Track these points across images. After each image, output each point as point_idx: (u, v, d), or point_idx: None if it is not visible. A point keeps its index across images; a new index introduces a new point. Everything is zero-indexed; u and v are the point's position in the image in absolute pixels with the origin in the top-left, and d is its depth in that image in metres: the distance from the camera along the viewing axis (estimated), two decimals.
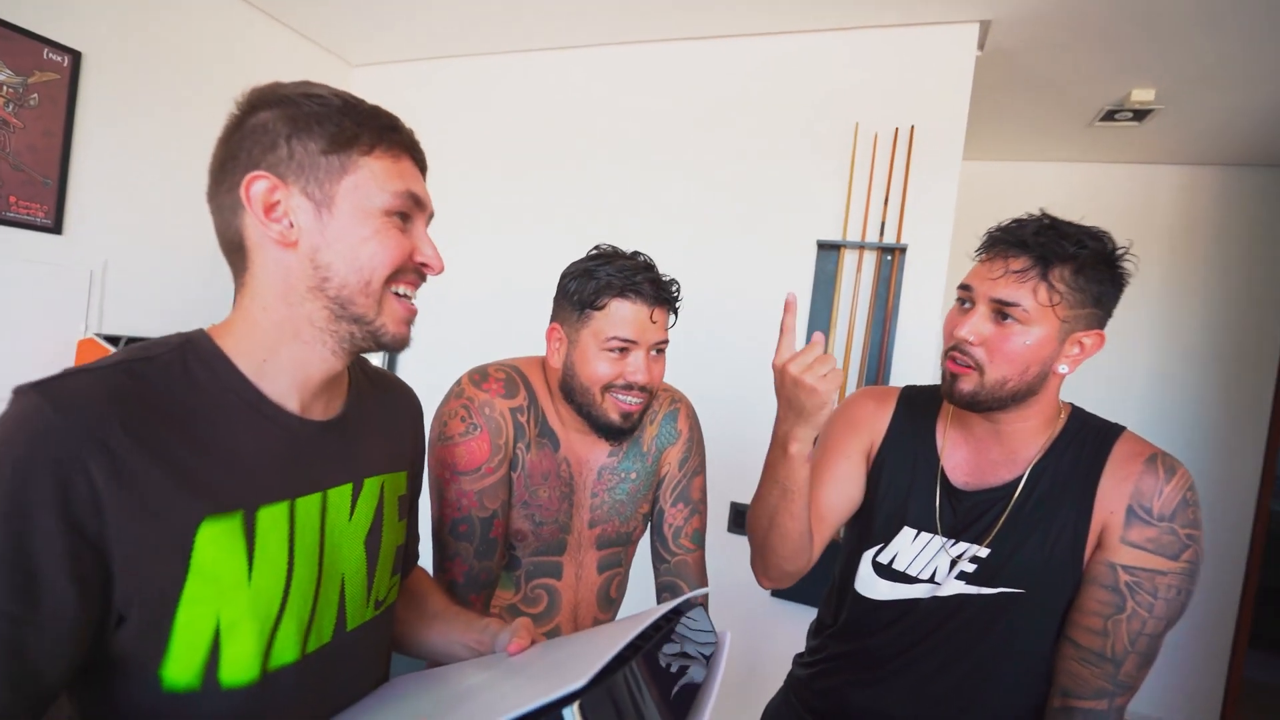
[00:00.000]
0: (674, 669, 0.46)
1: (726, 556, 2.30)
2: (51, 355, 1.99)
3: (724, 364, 2.30)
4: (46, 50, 1.91)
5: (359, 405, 0.66)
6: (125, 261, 2.18)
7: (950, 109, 2.07)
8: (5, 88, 1.82)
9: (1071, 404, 0.93)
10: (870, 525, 0.97)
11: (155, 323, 2.25)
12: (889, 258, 2.07)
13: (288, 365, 0.57)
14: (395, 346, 0.60)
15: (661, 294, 0.89)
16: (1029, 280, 0.80)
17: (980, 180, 3.26)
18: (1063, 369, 0.84)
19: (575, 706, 0.40)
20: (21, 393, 0.46)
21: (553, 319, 0.95)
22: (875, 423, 0.99)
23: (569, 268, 0.94)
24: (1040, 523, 0.84)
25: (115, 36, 2.09)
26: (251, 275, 0.56)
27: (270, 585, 0.53)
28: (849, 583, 0.97)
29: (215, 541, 0.50)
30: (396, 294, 0.58)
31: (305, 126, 0.55)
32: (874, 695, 0.93)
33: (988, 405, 0.84)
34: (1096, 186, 3.08)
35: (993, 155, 3.20)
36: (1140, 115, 2.52)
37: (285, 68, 2.70)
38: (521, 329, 2.50)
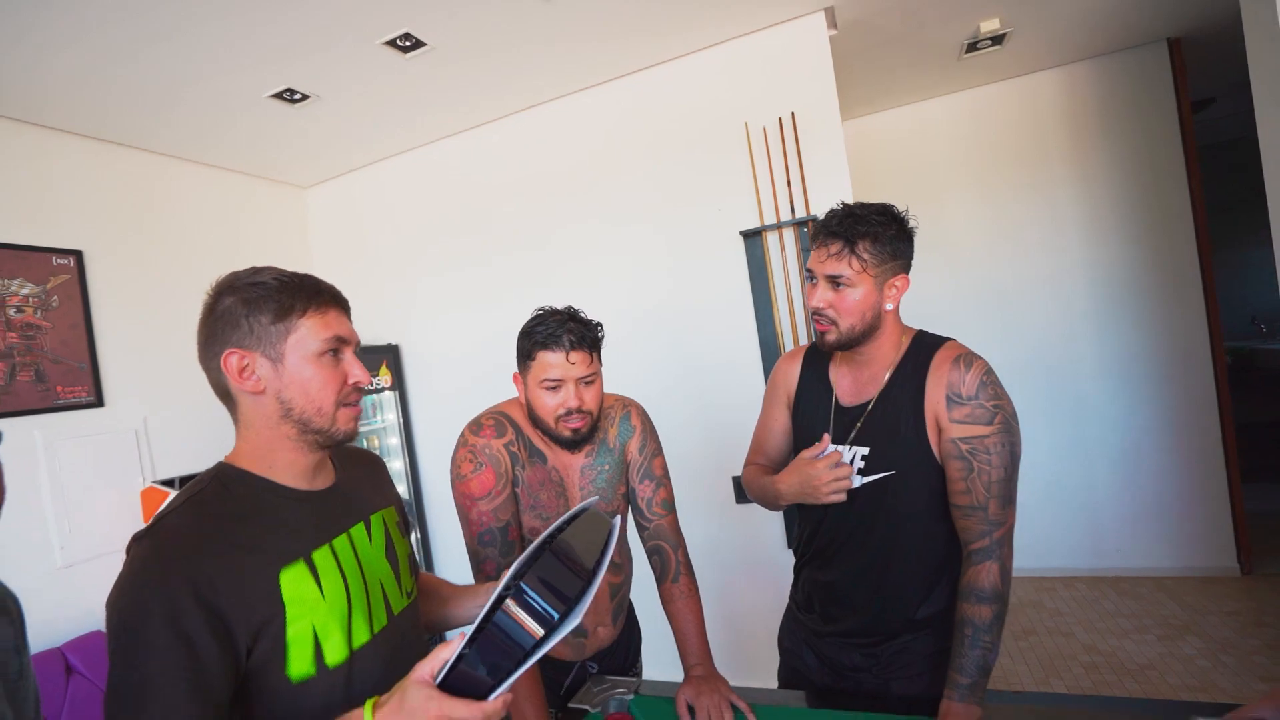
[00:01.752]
0: (574, 549, 0.73)
1: (735, 526, 2.56)
2: (121, 507, 2.30)
3: (692, 362, 2.57)
4: (54, 257, 2.24)
5: (344, 472, 0.94)
6: (161, 416, 2.50)
7: (820, 88, 2.35)
8: (31, 299, 2.15)
9: (916, 330, 1.19)
10: (800, 447, 1.25)
11: (198, 461, 2.56)
12: (805, 230, 2.34)
13: (285, 464, 0.83)
14: (348, 440, 0.86)
15: (574, 340, 1.16)
16: (843, 257, 1.07)
17: (880, 131, 3.53)
18: (889, 306, 1.11)
19: (524, 582, 0.66)
20: (140, 538, 0.73)
21: (516, 369, 1.25)
22: (789, 377, 1.31)
23: (521, 329, 1.23)
24: (894, 420, 1.12)
25: (106, 228, 2.43)
26: (241, 413, 0.82)
27: (337, 597, 0.80)
28: None
29: (293, 582, 0.76)
30: (344, 405, 0.83)
31: (256, 306, 0.79)
32: (827, 575, 1.22)
33: (849, 345, 1.13)
34: (986, 106, 3.34)
35: (884, 106, 3.47)
36: (998, 39, 2.78)
37: (251, 208, 3.03)
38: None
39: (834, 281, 1.09)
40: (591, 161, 2.71)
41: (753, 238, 2.42)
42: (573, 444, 1.22)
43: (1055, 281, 3.28)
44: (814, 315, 1.14)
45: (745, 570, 2.53)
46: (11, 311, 2.10)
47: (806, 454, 1.13)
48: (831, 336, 1.12)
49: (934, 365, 1.11)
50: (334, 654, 0.79)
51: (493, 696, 0.65)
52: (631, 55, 2.48)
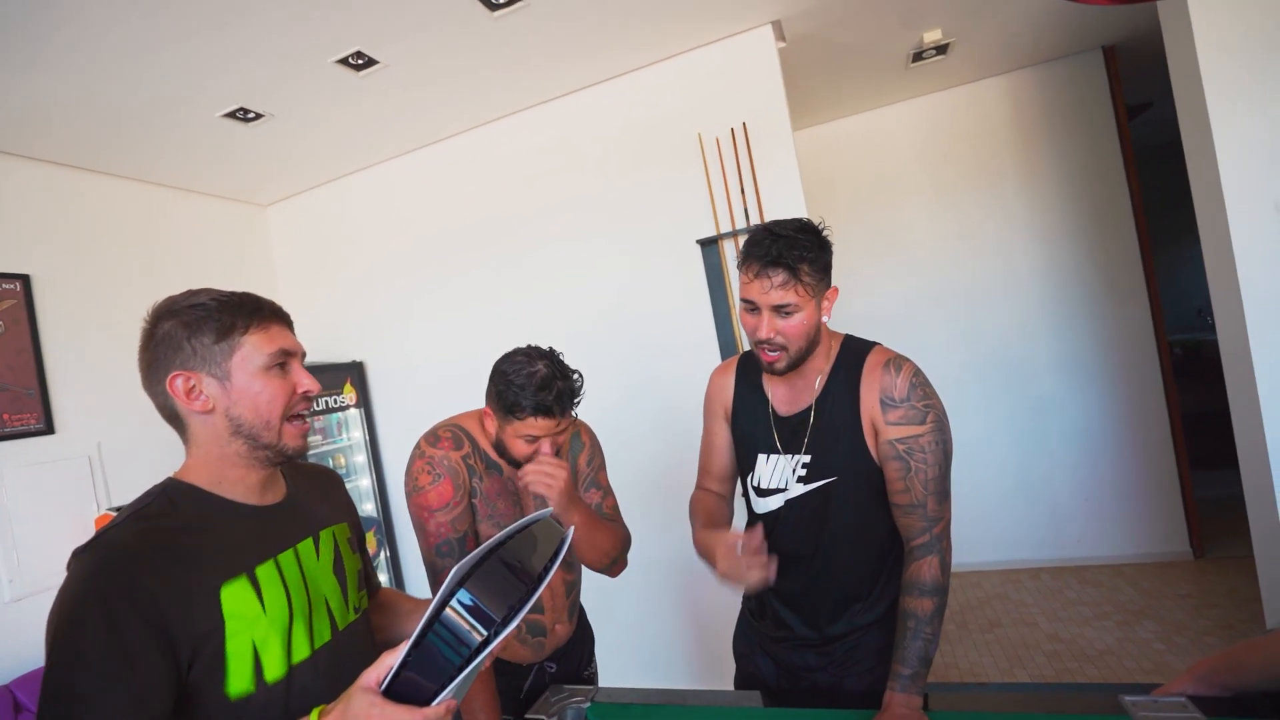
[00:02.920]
0: (521, 556, 0.72)
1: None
2: (74, 536, 2.24)
3: (652, 371, 2.60)
4: (1, 281, 2.19)
5: (295, 487, 0.94)
6: (116, 441, 2.45)
7: (770, 98, 2.41)
8: None
9: (844, 335, 1.21)
10: (742, 459, 1.29)
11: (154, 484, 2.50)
12: None
13: (235, 480, 0.83)
14: (296, 456, 0.86)
15: (558, 408, 1.15)
16: (790, 286, 1.06)
17: (835, 137, 3.62)
18: (826, 319, 1.14)
19: (466, 587, 0.66)
20: (80, 553, 0.74)
21: (487, 402, 1.24)
22: (724, 391, 1.32)
23: (496, 368, 1.21)
24: (833, 427, 1.14)
25: (55, 252, 2.38)
26: (190, 434, 0.83)
27: (278, 611, 0.80)
28: (748, 503, 1.29)
29: (234, 596, 0.77)
30: (291, 419, 0.84)
31: (197, 328, 0.79)
32: (778, 583, 1.21)
33: (797, 365, 1.14)
34: (936, 113, 3.45)
35: (837, 114, 3.56)
36: (941, 49, 2.88)
37: (209, 228, 3.00)
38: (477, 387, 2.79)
39: (781, 310, 1.08)
40: (549, 175, 2.74)
41: (709, 246, 2.47)
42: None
43: (1010, 281, 3.38)
44: (759, 345, 1.13)
45: (707, 577, 2.54)
46: None
47: (728, 543, 1.08)
48: (783, 363, 1.12)
49: (866, 370, 1.14)
50: (272, 669, 0.79)
51: (435, 702, 0.65)
52: (585, 70, 2.51)
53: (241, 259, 3.16)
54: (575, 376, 1.20)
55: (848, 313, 3.46)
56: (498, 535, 0.73)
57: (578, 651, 1.43)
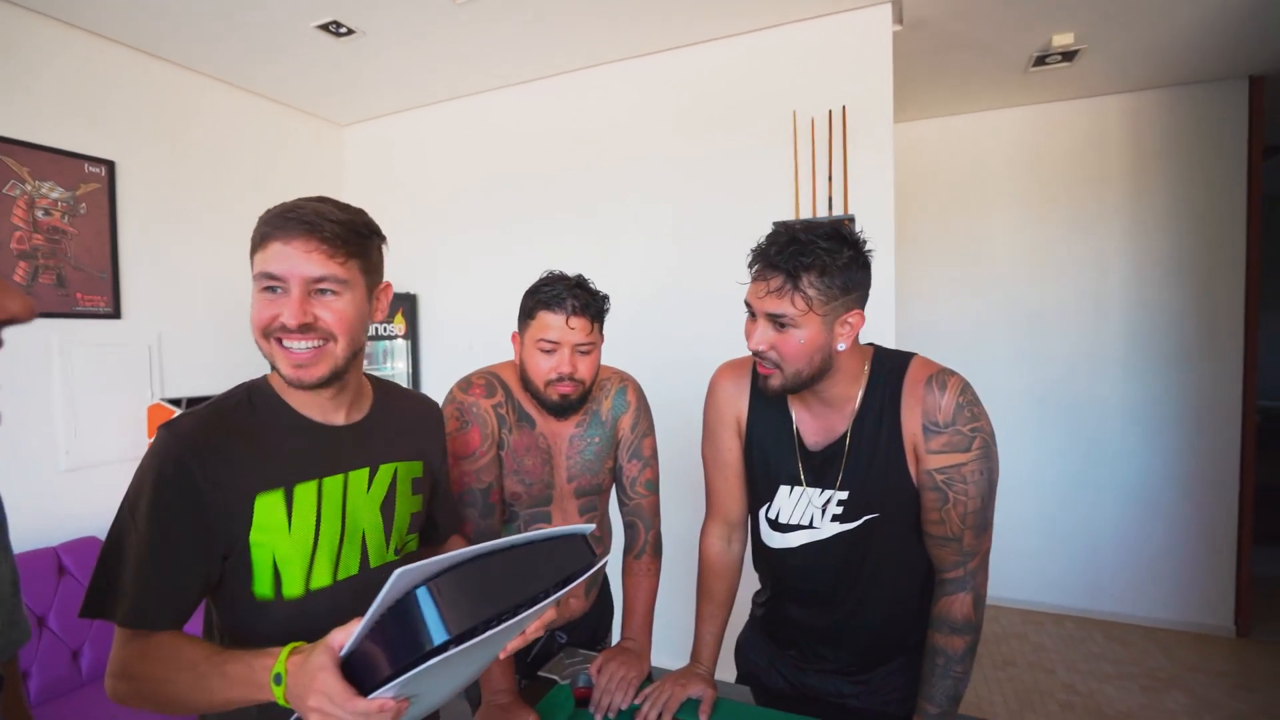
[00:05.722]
0: (532, 569, 0.62)
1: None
2: (129, 420, 2.33)
3: (713, 349, 2.53)
4: (86, 165, 2.23)
5: (380, 414, 0.92)
6: (175, 335, 2.51)
7: (876, 84, 2.26)
8: (60, 203, 2.15)
9: (873, 347, 1.07)
10: (755, 487, 1.15)
11: (204, 383, 2.58)
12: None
13: (296, 394, 0.83)
14: (295, 384, 0.79)
15: (578, 305, 1.12)
16: (786, 294, 0.92)
17: (929, 137, 3.42)
18: (841, 347, 0.97)
19: (440, 583, 0.55)
20: (161, 428, 0.77)
21: (516, 328, 1.23)
22: (737, 401, 1.16)
23: (527, 288, 1.19)
24: (871, 459, 1.02)
25: (141, 143, 2.42)
26: None
27: (303, 532, 0.80)
28: (758, 535, 1.18)
29: (266, 507, 0.78)
30: (279, 344, 0.77)
31: (253, 240, 0.79)
32: (806, 615, 1.15)
33: (795, 390, 1.00)
34: (1048, 124, 3.21)
35: (937, 113, 3.35)
36: (1069, 56, 2.66)
37: (286, 139, 3.01)
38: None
39: (776, 321, 0.95)
40: (630, 133, 2.64)
41: None
42: (560, 410, 1.19)
43: (1090, 312, 3.18)
44: (754, 355, 1.02)
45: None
46: (40, 213, 2.11)
47: None
48: (775, 382, 0.99)
49: (906, 388, 1.00)
50: (291, 587, 0.81)
51: (374, 694, 0.58)
52: (686, 28, 2.40)
53: (313, 176, 3.17)
54: (596, 289, 1.17)
55: (910, 320, 3.31)
56: (516, 537, 0.63)
57: (594, 624, 1.40)
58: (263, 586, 0.80)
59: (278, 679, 0.65)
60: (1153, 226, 3.06)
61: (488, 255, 2.97)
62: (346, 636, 0.60)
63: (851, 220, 2.25)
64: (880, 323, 2.18)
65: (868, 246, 0.97)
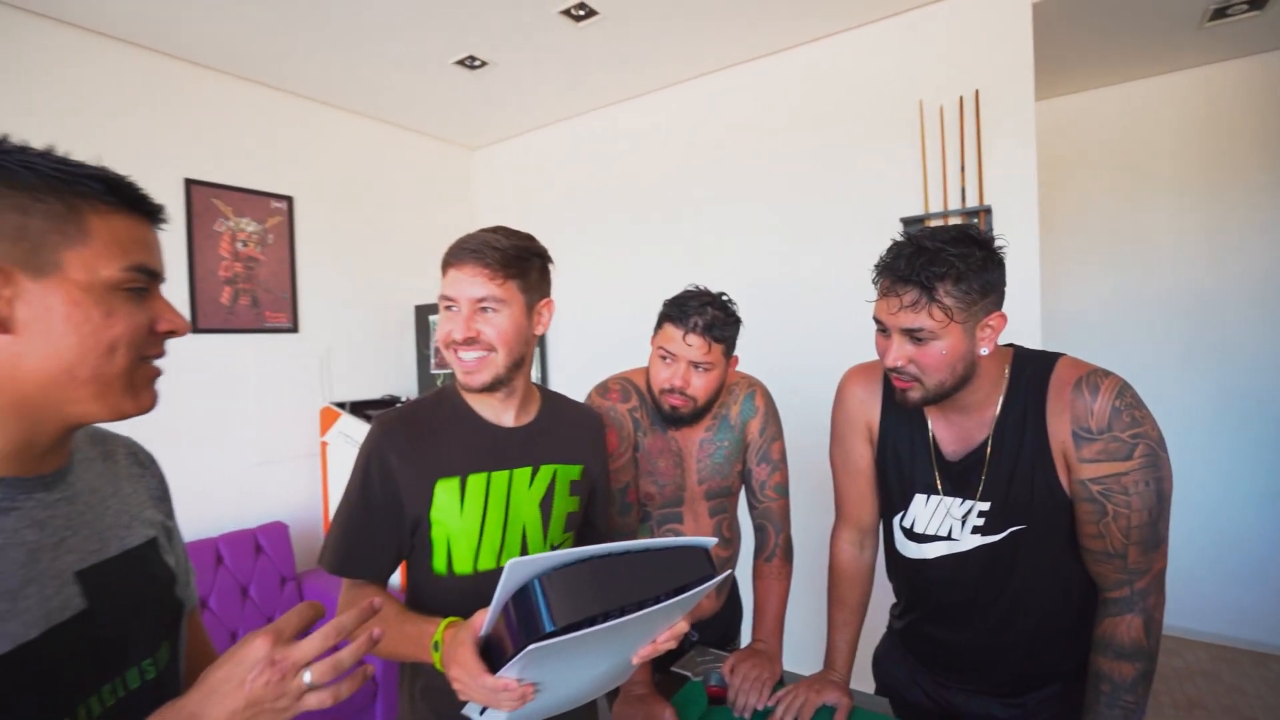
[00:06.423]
0: (645, 575, 0.65)
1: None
2: (305, 420, 2.67)
3: (836, 350, 2.46)
4: (272, 201, 2.60)
5: (545, 419, 1.01)
6: (339, 347, 2.85)
7: (1014, 63, 2.10)
8: (254, 235, 2.52)
9: (1013, 349, 1.01)
10: (888, 495, 1.11)
11: (364, 389, 2.90)
12: (974, 221, 2.13)
13: (472, 396, 0.96)
14: (465, 390, 0.94)
15: (700, 324, 1.13)
16: (922, 307, 0.88)
17: (1075, 114, 3.09)
18: (984, 351, 0.92)
19: (556, 577, 0.60)
20: (375, 418, 0.94)
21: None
22: (868, 407, 1.12)
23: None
24: (1015, 468, 0.95)
25: (310, 178, 2.79)
26: None
27: (472, 516, 0.91)
28: (891, 545, 1.13)
29: (444, 491, 0.90)
30: (456, 354, 0.92)
31: (441, 268, 0.96)
32: (947, 631, 1.09)
33: (938, 400, 0.96)
34: (1215, 87, 2.79)
35: (1086, 85, 3.02)
36: (1257, 3, 2.30)
37: (426, 165, 3.33)
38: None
39: (912, 335, 0.90)
40: (750, 136, 2.64)
41: (913, 225, 2.25)
42: (670, 420, 1.22)
43: (1276, 300, 2.71)
44: (891, 372, 0.96)
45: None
46: (239, 245, 2.48)
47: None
48: (916, 394, 0.94)
49: (1053, 391, 0.93)
50: (461, 565, 0.92)
51: (500, 673, 0.63)
52: (805, 26, 2.36)
53: (446, 197, 3.47)
54: (732, 311, 1.18)
55: (1056, 310, 3.01)
56: (634, 543, 0.66)
57: (724, 625, 1.42)
58: (439, 562, 0.91)
59: (435, 646, 0.76)
60: None
61: (605, 261, 3.09)
62: (485, 618, 0.69)
63: (988, 211, 2.10)
64: (1024, 321, 2.01)
65: (998, 243, 0.92)
